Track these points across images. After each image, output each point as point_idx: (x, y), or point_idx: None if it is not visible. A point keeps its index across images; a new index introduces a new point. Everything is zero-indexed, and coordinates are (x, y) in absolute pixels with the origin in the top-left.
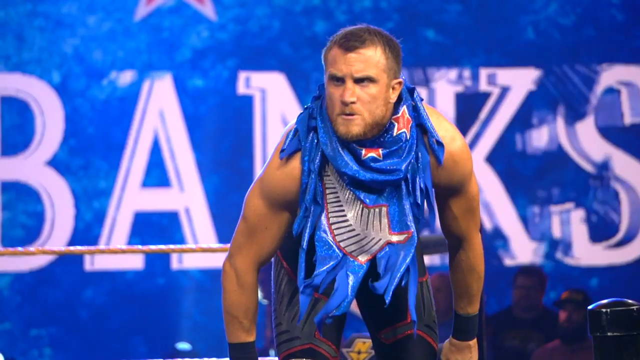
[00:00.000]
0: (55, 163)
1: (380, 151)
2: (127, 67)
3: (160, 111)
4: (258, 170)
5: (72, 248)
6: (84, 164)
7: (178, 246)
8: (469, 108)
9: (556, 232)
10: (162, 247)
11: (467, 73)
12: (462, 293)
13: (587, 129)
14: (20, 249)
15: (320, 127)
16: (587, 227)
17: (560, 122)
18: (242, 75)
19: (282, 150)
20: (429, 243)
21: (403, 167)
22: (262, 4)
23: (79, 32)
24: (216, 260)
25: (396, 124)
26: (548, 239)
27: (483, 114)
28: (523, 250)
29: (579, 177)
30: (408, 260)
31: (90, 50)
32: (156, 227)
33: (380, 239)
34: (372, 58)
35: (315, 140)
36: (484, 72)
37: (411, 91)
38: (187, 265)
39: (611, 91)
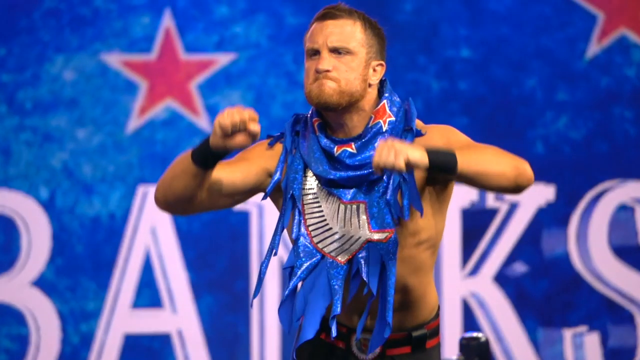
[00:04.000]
0: (41, 283)
1: (354, 144)
2: (118, 182)
3: (152, 228)
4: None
5: None
6: (72, 285)
7: None
8: (475, 225)
9: (569, 356)
10: None
11: (473, 188)
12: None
13: (600, 248)
14: None
15: (302, 131)
16: (602, 351)
17: (571, 241)
18: None
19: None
20: None
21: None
22: (259, 116)
23: (68, 146)
24: None
25: (373, 116)
26: None
27: (490, 232)
28: None
29: (592, 298)
30: (393, 269)
31: (79, 164)
32: (147, 351)
33: (360, 237)
34: (349, 29)
35: (297, 144)
36: None
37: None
38: None
39: (625, 209)
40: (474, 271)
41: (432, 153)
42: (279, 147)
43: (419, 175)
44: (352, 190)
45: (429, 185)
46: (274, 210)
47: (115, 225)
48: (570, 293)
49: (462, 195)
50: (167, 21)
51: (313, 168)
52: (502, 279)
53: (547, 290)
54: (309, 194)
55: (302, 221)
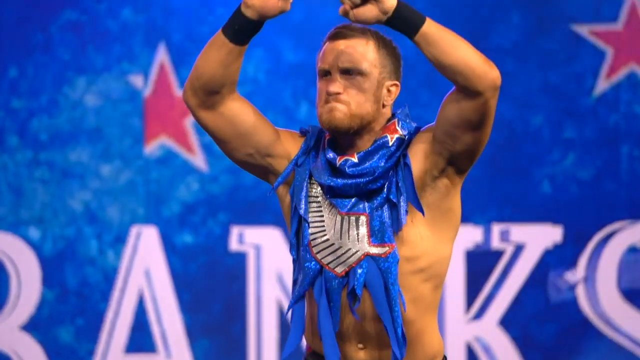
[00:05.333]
0: (31, 327)
1: (356, 154)
2: (111, 223)
3: (145, 270)
4: (251, 335)
5: None
6: (63, 328)
7: None
8: (480, 267)
9: None
10: None
11: (478, 229)
12: None
13: (609, 291)
14: None
15: (318, 141)
16: None
17: (579, 283)
18: (235, 231)
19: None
20: None
21: (377, 171)
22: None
23: (62, 185)
24: None
25: (382, 132)
26: None
27: (495, 274)
28: None
29: (601, 343)
30: (396, 287)
31: (71, 205)
32: None
33: (357, 251)
34: (361, 49)
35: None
36: (496, 228)
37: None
38: None
39: (634, 250)
40: (479, 315)
41: (403, 4)
42: (302, 140)
43: (419, 185)
44: (351, 201)
45: (429, 208)
46: (272, 251)
47: (108, 267)
48: (578, 338)
49: (466, 237)
50: (162, 56)
51: (315, 176)
52: (507, 323)
53: (554, 335)
54: (313, 202)
55: (307, 231)
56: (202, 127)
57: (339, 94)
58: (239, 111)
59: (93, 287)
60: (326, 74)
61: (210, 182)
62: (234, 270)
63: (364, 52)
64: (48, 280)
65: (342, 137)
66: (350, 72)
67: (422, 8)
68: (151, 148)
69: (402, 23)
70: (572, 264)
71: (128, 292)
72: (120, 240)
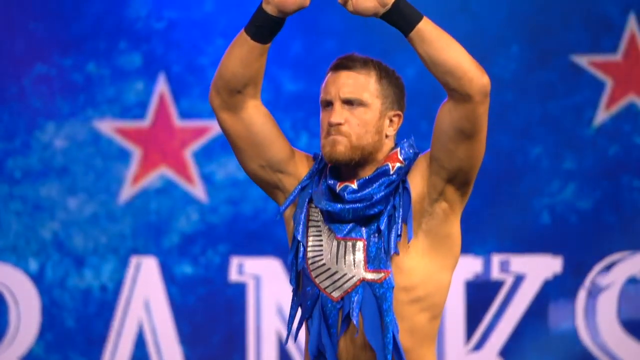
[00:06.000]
0: (30, 359)
1: (356, 181)
2: (110, 254)
3: (145, 301)
4: None
5: None
6: None
7: None
8: (479, 298)
9: None
10: None
11: (478, 260)
12: None
13: (609, 322)
14: None
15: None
16: None
17: (579, 315)
18: (235, 261)
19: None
20: None
21: (375, 197)
22: (256, 185)
23: (59, 216)
24: None
25: (383, 160)
26: None
27: (495, 305)
28: None
29: None
30: (390, 314)
31: (70, 235)
32: None
33: (353, 276)
34: (362, 80)
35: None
36: (496, 259)
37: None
38: None
39: (635, 281)
40: (479, 345)
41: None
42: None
43: (416, 209)
44: (348, 226)
45: (428, 234)
46: (272, 281)
47: (107, 299)
48: None
49: (466, 267)
50: (162, 86)
51: (315, 201)
52: (508, 353)
53: None
54: (313, 226)
55: (304, 253)
56: (223, 130)
57: (340, 125)
58: (258, 120)
59: (92, 320)
60: (328, 104)
61: (209, 212)
62: (233, 301)
63: (366, 82)
64: (47, 312)
65: (344, 167)
66: (352, 103)
67: None
68: (150, 179)
69: (400, 17)
70: (572, 294)
71: (127, 324)
72: (119, 271)
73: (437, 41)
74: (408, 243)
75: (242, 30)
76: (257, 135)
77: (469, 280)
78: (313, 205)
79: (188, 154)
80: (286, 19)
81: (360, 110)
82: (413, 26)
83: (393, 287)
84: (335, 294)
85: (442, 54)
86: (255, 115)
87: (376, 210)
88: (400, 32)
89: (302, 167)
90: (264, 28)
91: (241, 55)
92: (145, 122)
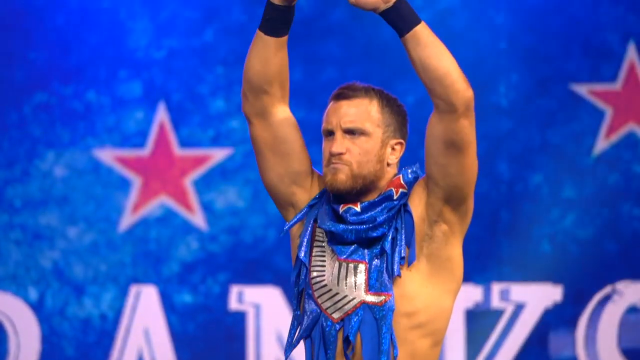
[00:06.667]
0: None
1: (359, 204)
2: (110, 283)
3: (145, 329)
4: None
5: None
6: None
7: None
8: (479, 327)
9: None
10: None
11: (478, 288)
12: None
13: (609, 351)
14: None
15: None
16: None
17: (579, 344)
18: (235, 290)
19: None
20: None
21: (378, 219)
22: (257, 213)
23: (58, 245)
24: None
25: (387, 186)
26: None
27: (495, 334)
28: None
29: None
30: (391, 336)
31: (69, 264)
32: None
33: (353, 298)
34: (364, 109)
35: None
36: (496, 288)
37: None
38: None
39: (635, 310)
40: None
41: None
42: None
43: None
44: (351, 248)
45: (429, 259)
46: (271, 310)
47: (107, 327)
48: None
49: (466, 296)
50: (162, 115)
51: (319, 221)
52: None
53: None
54: (318, 246)
55: (307, 273)
56: (251, 138)
57: (341, 154)
58: (285, 128)
59: (91, 348)
60: (330, 134)
61: (209, 241)
62: (233, 329)
63: (367, 112)
64: (46, 341)
65: (347, 195)
66: (353, 132)
67: None
68: (150, 207)
69: (399, 17)
70: (572, 323)
71: (127, 352)
72: (119, 300)
73: (431, 47)
74: (409, 266)
75: (257, 30)
76: (282, 143)
77: (469, 309)
78: (319, 226)
79: (188, 182)
80: (294, 9)
81: (361, 139)
82: (411, 28)
83: (394, 310)
84: (336, 315)
85: (434, 60)
86: (284, 123)
87: (379, 232)
88: (399, 60)
89: (316, 186)
90: (274, 20)
91: (258, 52)
92: (145, 151)
